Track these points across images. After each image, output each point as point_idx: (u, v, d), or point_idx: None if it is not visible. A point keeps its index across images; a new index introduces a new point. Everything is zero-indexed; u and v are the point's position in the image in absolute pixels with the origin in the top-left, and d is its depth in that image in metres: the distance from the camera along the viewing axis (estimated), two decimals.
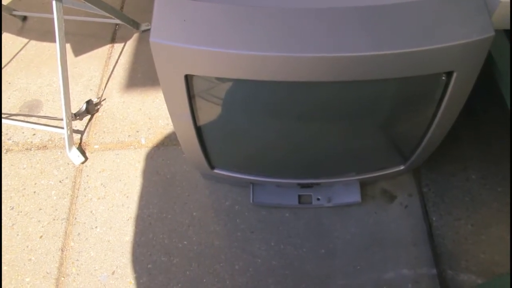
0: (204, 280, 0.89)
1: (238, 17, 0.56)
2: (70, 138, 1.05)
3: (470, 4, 0.53)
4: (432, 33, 0.53)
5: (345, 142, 0.78)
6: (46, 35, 1.36)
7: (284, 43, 0.54)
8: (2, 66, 1.29)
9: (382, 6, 0.54)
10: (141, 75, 1.21)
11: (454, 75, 0.58)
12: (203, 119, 0.70)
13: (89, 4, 1.09)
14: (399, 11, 0.54)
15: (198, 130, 0.72)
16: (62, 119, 1.07)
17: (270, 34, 0.54)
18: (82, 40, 1.32)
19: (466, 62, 0.56)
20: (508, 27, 0.64)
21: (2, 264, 0.93)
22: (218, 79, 0.61)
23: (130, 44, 1.29)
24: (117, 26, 1.34)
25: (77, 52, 1.29)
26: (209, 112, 0.69)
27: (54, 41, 1.25)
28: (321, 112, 0.68)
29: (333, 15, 0.54)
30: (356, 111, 0.68)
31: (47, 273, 0.91)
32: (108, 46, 1.31)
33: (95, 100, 1.14)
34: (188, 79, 0.60)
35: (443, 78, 0.59)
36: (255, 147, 0.80)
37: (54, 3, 0.90)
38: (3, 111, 1.18)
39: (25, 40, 1.36)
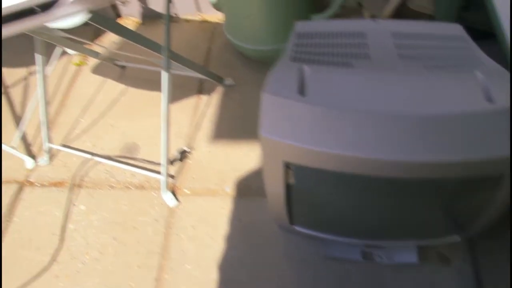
0: None
1: (332, 119, 0.77)
2: (166, 182, 1.28)
3: None
4: (488, 143, 0.71)
5: (409, 214, 0.96)
6: (142, 83, 1.62)
7: (372, 146, 0.74)
8: (107, 109, 1.55)
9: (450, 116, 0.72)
10: (226, 128, 1.44)
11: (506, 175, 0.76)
12: (293, 191, 0.91)
13: (179, 64, 1.32)
14: (469, 121, 0.72)
15: (288, 196, 0.93)
16: (158, 163, 1.31)
17: (358, 136, 0.74)
18: (172, 91, 1.56)
19: None
20: None
21: (109, 287, 1.16)
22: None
23: (215, 97, 1.53)
24: (203, 79, 1.58)
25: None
26: (299, 187, 0.90)
27: (149, 89, 1.51)
28: (393, 193, 0.87)
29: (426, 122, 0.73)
30: (422, 195, 0.87)
31: None
32: (195, 97, 1.55)
33: (186, 149, 1.37)
34: (287, 164, 0.81)
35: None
36: (334, 213, 1.00)
37: (164, 74, 1.14)
38: (108, 150, 1.43)
39: (125, 87, 1.62)
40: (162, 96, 1.18)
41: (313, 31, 1.04)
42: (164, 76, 1.14)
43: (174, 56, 1.16)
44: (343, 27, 1.04)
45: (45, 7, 0.76)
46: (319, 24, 1.15)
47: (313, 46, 0.99)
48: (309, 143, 0.76)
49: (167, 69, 1.13)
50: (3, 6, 0.73)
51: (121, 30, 0.98)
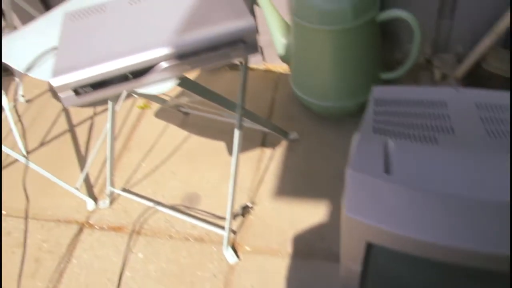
0: None
1: (420, 202, 0.73)
2: (228, 238, 1.27)
3: None
4: None
5: None
6: (205, 131, 1.63)
7: (460, 235, 0.70)
8: (169, 155, 1.57)
9: None
10: (290, 184, 1.42)
11: None
12: (371, 270, 0.87)
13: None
14: None
15: (364, 275, 0.89)
16: (220, 217, 1.30)
17: (447, 223, 0.71)
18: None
19: None
20: None
21: None
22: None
23: (279, 151, 1.51)
24: (267, 131, 1.57)
25: (231, 152, 1.53)
26: (379, 267, 0.86)
27: (212, 137, 1.51)
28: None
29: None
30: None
31: None
32: (258, 150, 1.54)
33: (249, 204, 1.36)
34: (369, 244, 0.78)
35: None
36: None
37: (236, 132, 1.14)
38: (169, 198, 1.44)
39: (187, 134, 1.64)
40: (233, 153, 1.17)
41: (392, 98, 1.02)
42: (236, 134, 1.14)
43: (245, 113, 1.16)
44: (423, 95, 1.02)
45: (137, 74, 0.77)
46: (397, 90, 1.12)
47: (394, 115, 0.97)
48: (395, 226, 0.73)
49: (240, 126, 1.13)
50: (100, 72, 0.75)
51: (206, 93, 0.99)
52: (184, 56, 0.75)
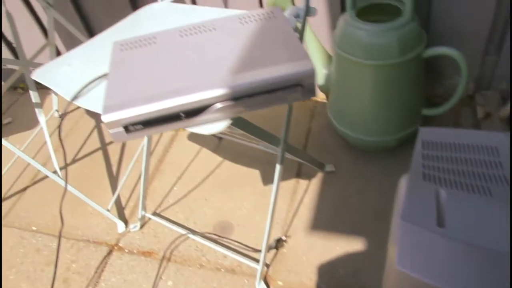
0: None
1: (473, 258, 0.71)
2: (261, 272, 1.24)
3: None
4: None
5: None
6: (239, 158, 1.61)
7: None
8: (201, 180, 1.56)
9: None
10: (325, 218, 1.39)
11: None
12: None
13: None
14: None
15: None
16: (253, 248, 1.28)
17: (498, 282, 0.68)
18: (269, 169, 1.55)
19: None
20: None
21: None
22: None
23: (315, 183, 1.49)
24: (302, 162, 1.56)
25: (266, 181, 1.52)
26: None
27: (246, 164, 1.50)
28: None
29: None
30: None
31: None
32: (293, 180, 1.52)
33: (283, 237, 1.34)
34: None
35: None
36: None
37: (278, 166, 1.12)
38: (200, 226, 1.42)
39: (221, 159, 1.63)
40: (273, 188, 1.16)
41: (441, 141, 0.99)
42: (277, 168, 1.12)
43: (287, 148, 1.15)
44: (473, 139, 0.99)
45: (190, 113, 0.76)
46: (446, 132, 1.09)
47: (444, 161, 0.94)
48: (447, 284, 0.70)
49: (281, 161, 1.11)
50: (153, 110, 0.74)
51: (255, 131, 0.99)
52: (240, 97, 0.74)
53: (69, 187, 1.45)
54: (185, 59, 0.84)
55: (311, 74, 0.73)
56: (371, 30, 1.24)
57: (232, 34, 0.87)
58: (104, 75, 0.93)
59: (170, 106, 0.73)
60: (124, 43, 0.93)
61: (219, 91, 0.73)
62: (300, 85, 0.74)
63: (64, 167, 1.70)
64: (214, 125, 0.78)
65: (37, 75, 1.03)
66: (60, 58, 1.09)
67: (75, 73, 1.02)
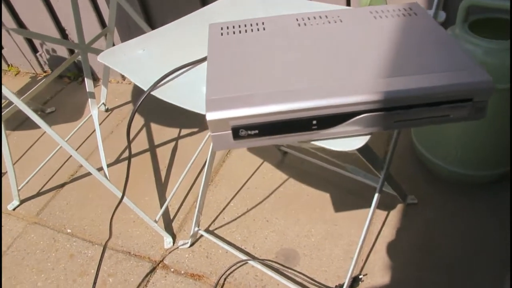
0: None
1: None
2: None
3: None
4: None
5: None
6: (306, 177, 1.44)
7: None
8: (262, 198, 1.39)
9: None
10: (405, 258, 1.20)
11: None
12: None
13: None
14: None
15: None
16: (321, 284, 1.11)
17: None
18: (344, 195, 1.37)
19: None
20: None
21: None
22: None
23: (394, 214, 1.31)
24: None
25: (337, 207, 1.34)
26: None
27: (314, 185, 1.33)
28: None
29: None
30: None
31: None
32: (368, 209, 1.33)
33: (361, 277, 1.15)
34: None
35: None
36: None
37: (376, 195, 0.95)
38: (261, 251, 1.25)
39: (285, 176, 1.46)
40: (367, 220, 0.99)
41: None
42: (375, 198, 0.95)
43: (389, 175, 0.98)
44: None
45: (323, 123, 0.59)
46: None
47: None
48: None
49: (381, 189, 0.94)
50: (285, 109, 0.58)
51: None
52: (392, 108, 0.57)
53: (113, 189, 1.29)
54: (310, 52, 0.68)
55: (489, 88, 0.56)
56: (489, 47, 1.07)
57: (366, 30, 0.71)
58: (198, 61, 0.77)
59: (304, 107, 0.56)
60: (225, 26, 0.78)
61: (369, 97, 0.56)
62: (471, 100, 0.57)
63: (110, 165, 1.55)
64: (352, 140, 0.61)
65: (104, 58, 0.88)
66: (131, 41, 0.94)
67: (151, 59, 0.87)
